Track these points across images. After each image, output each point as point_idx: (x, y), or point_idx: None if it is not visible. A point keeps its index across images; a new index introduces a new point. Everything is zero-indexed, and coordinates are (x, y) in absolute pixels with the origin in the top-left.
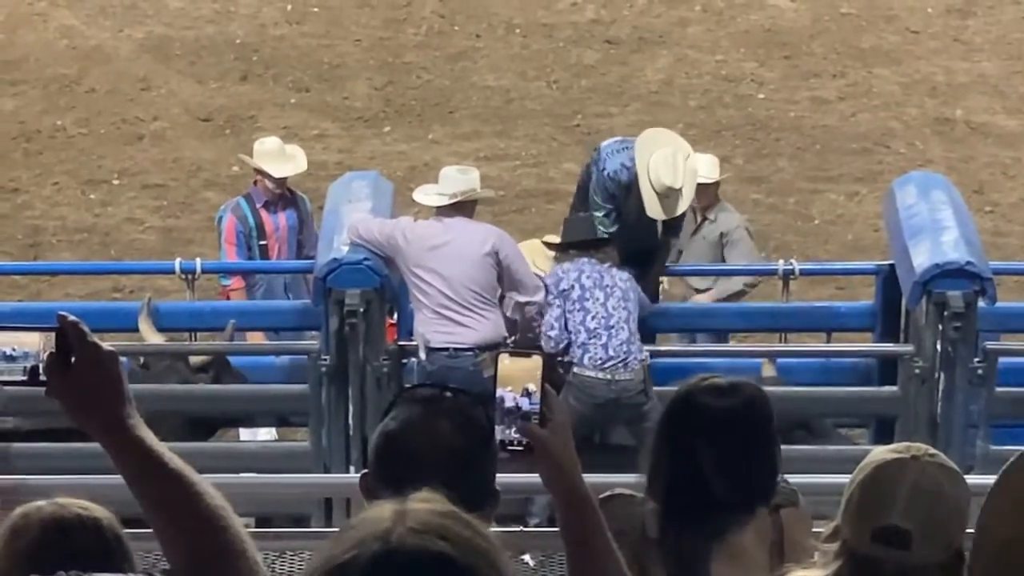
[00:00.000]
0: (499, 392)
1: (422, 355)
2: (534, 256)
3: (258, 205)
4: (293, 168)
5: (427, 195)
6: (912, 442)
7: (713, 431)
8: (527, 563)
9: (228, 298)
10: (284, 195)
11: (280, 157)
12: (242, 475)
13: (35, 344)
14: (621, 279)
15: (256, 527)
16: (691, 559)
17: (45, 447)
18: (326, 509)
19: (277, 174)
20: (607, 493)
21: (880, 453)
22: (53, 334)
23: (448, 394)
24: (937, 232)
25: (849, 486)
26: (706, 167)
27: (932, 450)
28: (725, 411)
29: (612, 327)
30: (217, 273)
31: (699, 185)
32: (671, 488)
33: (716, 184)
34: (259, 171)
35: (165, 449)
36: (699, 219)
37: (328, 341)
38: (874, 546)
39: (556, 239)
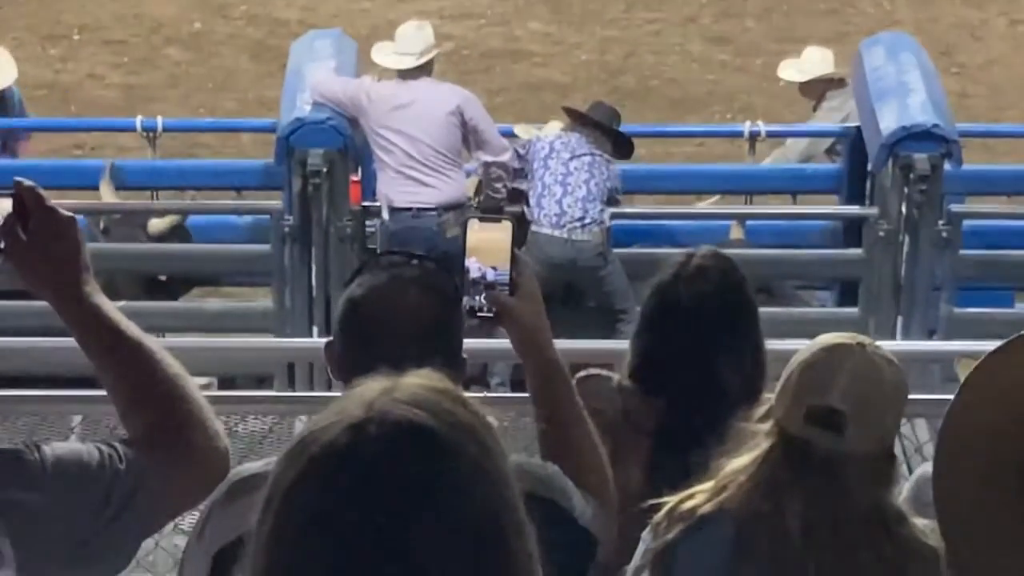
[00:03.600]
0: (466, 262)
1: (385, 215)
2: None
3: None
4: None
5: (388, 55)
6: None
7: (708, 316)
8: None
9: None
10: None
11: None
12: (205, 338)
13: None
14: (598, 154)
15: (219, 388)
16: (687, 446)
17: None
18: (289, 372)
19: None
20: (583, 373)
21: (826, 337)
22: (9, 199)
23: (414, 261)
24: (904, 94)
25: (789, 366)
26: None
27: (878, 343)
28: (712, 295)
29: (568, 184)
30: (179, 132)
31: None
32: (671, 375)
33: (828, 80)
34: None
35: (123, 317)
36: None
37: (291, 201)
38: (807, 427)
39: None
